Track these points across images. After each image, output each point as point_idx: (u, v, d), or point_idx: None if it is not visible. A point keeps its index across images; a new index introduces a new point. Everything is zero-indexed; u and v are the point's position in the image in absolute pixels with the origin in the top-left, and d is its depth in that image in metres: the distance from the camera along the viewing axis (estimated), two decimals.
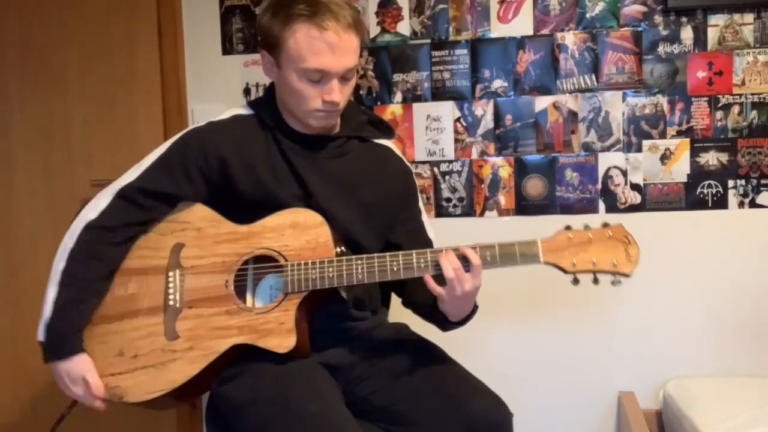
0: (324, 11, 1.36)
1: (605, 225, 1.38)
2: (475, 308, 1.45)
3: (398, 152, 1.66)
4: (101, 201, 1.47)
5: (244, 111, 1.55)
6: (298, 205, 1.45)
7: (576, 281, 1.36)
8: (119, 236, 1.46)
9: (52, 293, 1.42)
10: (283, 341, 1.37)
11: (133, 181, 1.46)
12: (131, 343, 1.43)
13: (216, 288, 1.43)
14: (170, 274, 1.46)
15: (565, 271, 1.36)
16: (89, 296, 1.44)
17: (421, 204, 1.66)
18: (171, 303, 1.44)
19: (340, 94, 1.42)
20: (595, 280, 1.36)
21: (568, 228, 1.38)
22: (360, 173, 1.54)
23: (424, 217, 1.65)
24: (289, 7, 1.38)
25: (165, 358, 1.41)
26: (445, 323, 1.46)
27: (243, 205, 1.46)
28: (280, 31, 1.39)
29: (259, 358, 1.39)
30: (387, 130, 1.65)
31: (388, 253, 1.40)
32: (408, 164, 1.66)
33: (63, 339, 1.41)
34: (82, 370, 1.41)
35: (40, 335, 1.42)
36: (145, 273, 1.46)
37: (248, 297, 1.46)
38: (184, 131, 1.53)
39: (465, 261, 1.35)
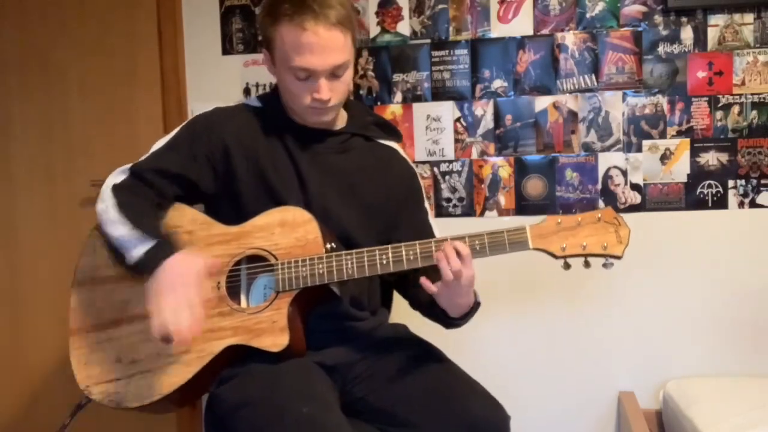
0: (305, 11, 1.37)
1: (594, 209, 1.38)
2: (477, 304, 1.46)
3: (404, 154, 1.67)
4: (119, 176, 1.50)
5: (253, 102, 1.59)
6: (296, 197, 1.46)
7: (567, 266, 1.36)
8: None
9: (121, 229, 1.39)
10: (277, 340, 1.37)
11: (144, 161, 1.51)
12: (128, 348, 1.44)
13: (208, 290, 1.43)
14: None
15: (555, 256, 1.36)
16: (154, 218, 1.45)
17: (427, 205, 1.67)
18: None
19: (329, 91, 1.43)
20: (586, 264, 1.35)
21: (557, 214, 1.38)
22: (361, 171, 1.55)
23: (431, 218, 1.66)
24: (277, 7, 1.41)
25: (161, 362, 1.41)
26: (447, 320, 1.47)
27: (241, 196, 1.48)
28: (269, 30, 1.43)
29: (256, 358, 1.39)
30: (393, 132, 1.66)
31: (377, 247, 1.40)
32: (413, 166, 1.67)
33: (161, 242, 1.37)
34: (193, 255, 1.37)
35: (135, 254, 1.36)
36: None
37: (242, 297, 1.46)
38: (193, 116, 1.58)
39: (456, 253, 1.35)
